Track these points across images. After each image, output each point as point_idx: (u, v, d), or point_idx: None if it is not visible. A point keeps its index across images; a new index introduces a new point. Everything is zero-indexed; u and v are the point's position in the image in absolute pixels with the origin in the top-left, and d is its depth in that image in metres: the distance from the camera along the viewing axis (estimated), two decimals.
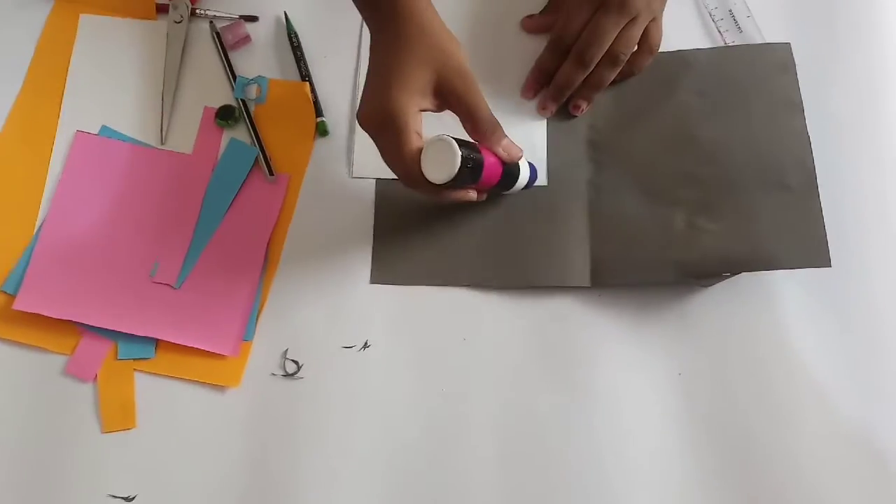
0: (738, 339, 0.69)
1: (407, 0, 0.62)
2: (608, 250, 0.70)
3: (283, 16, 0.78)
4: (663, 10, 0.73)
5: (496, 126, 0.64)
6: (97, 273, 0.69)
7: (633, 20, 0.71)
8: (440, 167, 0.59)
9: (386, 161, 0.63)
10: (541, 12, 0.78)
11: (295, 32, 0.77)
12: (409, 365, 0.68)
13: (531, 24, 0.77)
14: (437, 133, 0.60)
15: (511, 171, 0.66)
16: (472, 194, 0.64)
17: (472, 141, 0.62)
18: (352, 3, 0.65)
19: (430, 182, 0.60)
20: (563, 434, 0.66)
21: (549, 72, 0.74)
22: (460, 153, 0.58)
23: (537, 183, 0.72)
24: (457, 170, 0.58)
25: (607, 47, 0.71)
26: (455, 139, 0.58)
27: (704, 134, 0.72)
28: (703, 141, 0.72)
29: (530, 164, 0.69)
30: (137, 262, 0.70)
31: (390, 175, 0.67)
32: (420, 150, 0.60)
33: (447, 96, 0.62)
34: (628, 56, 0.72)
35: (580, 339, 0.69)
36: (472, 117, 0.63)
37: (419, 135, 0.61)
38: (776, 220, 0.68)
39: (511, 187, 0.68)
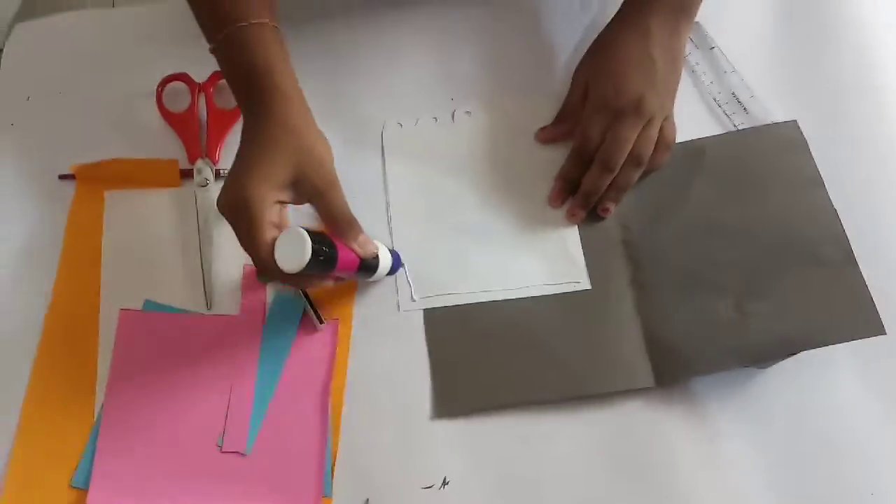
0: (804, 415, 0.69)
1: (278, 104, 0.66)
2: (664, 348, 0.71)
3: None
4: (673, 106, 0.76)
5: (352, 223, 0.67)
6: (164, 453, 0.69)
7: (649, 122, 0.74)
8: (292, 257, 0.61)
9: (242, 247, 0.65)
10: (552, 123, 0.80)
11: None
12: (491, 496, 0.68)
13: (545, 136, 0.80)
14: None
15: (369, 262, 0.69)
16: (328, 282, 0.68)
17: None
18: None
19: (281, 271, 0.62)
20: None
21: (573, 180, 0.77)
22: (310, 245, 0.60)
23: (581, 287, 0.73)
24: (307, 261, 0.60)
25: (628, 151, 0.74)
26: (308, 231, 0.61)
27: (730, 219, 0.74)
28: (731, 226, 0.74)
29: (393, 251, 0.73)
30: (203, 434, 0.70)
31: (439, 303, 0.70)
32: (273, 240, 0.62)
33: (306, 192, 0.66)
34: (649, 155, 0.75)
35: (651, 439, 0.69)
36: (328, 214, 0.67)
37: (275, 226, 0.64)
38: (820, 296, 0.70)
39: (372, 275, 0.71)
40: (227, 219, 0.65)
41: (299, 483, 0.67)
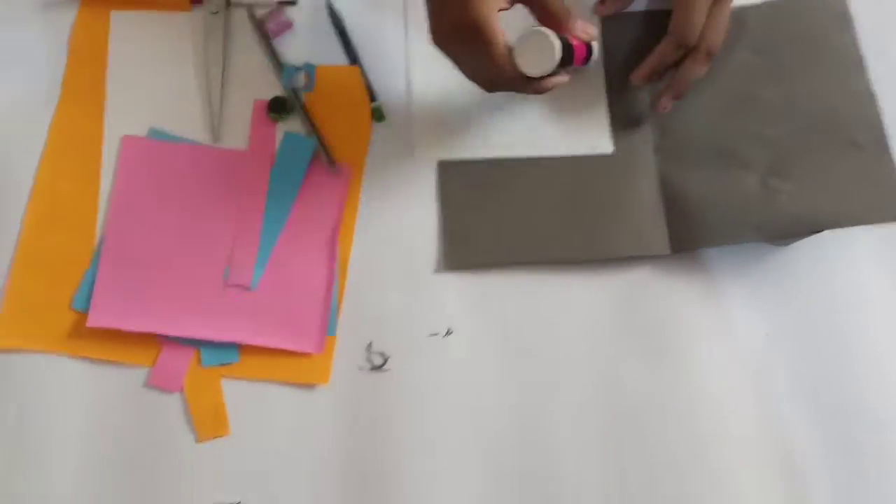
0: (821, 296, 0.69)
1: None
2: (684, 216, 0.69)
3: None
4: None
5: (568, 10, 0.64)
6: (167, 281, 0.68)
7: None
8: (540, 60, 0.60)
9: (470, 71, 0.63)
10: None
11: (338, 13, 0.75)
12: (495, 349, 0.68)
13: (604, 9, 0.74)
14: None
15: (591, 48, 0.68)
16: (565, 78, 0.65)
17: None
18: None
19: (525, 77, 0.61)
20: (655, 408, 0.66)
21: (667, 65, 0.69)
22: (559, 43, 0.59)
23: (603, 150, 0.71)
24: (558, 59, 0.59)
25: None
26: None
27: (766, 93, 0.72)
28: (766, 100, 0.71)
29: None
30: (208, 265, 0.68)
31: (455, 155, 0.67)
32: (510, 50, 0.61)
33: None
34: None
35: (664, 308, 0.69)
36: (546, 5, 0.63)
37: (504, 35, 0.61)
38: (850, 178, 0.68)
39: (588, 62, 0.69)
40: (448, 51, 0.62)
41: (304, 320, 0.67)
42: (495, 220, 0.70)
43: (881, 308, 0.69)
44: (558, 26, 0.63)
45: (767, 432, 0.66)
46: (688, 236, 0.69)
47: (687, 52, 0.68)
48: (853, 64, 0.72)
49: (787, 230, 0.67)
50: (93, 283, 0.68)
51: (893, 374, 0.67)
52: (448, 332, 0.68)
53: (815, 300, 0.69)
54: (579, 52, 0.65)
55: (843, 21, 0.73)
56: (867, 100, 0.71)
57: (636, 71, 0.71)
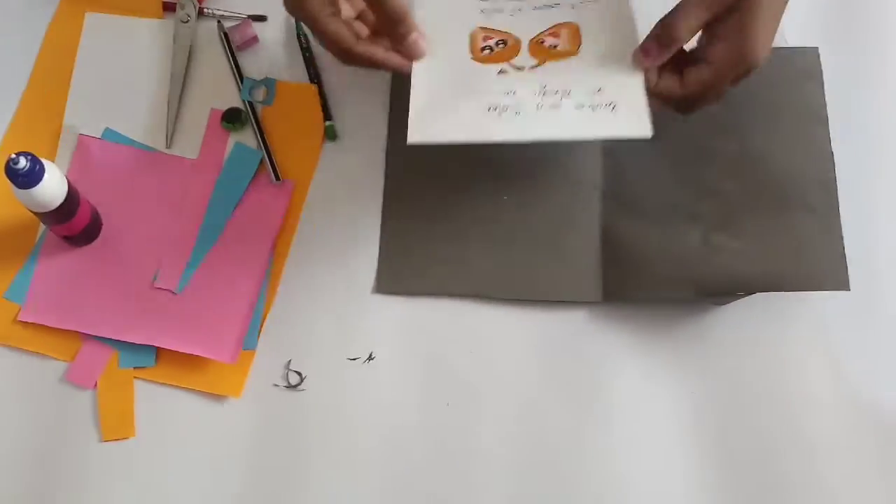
0: (752, 358, 0.67)
1: None
2: (620, 265, 0.68)
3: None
4: None
5: (401, 19, 0.60)
6: (100, 280, 0.68)
7: None
8: None
9: (321, 36, 0.60)
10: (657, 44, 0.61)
11: (304, 33, 0.75)
12: (415, 377, 0.67)
13: (650, 60, 0.61)
14: None
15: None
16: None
17: None
18: None
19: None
20: (572, 448, 0.65)
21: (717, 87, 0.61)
22: None
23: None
24: None
25: None
26: None
27: (724, 146, 0.70)
28: (726, 154, 0.70)
29: None
30: (140, 268, 0.69)
31: (448, 138, 0.61)
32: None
33: None
34: None
35: (590, 353, 0.67)
36: (378, 7, 0.59)
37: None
38: (795, 241, 0.66)
39: None
40: (297, 14, 0.61)
41: (222, 329, 0.67)
42: (431, 252, 0.70)
43: (812, 374, 0.67)
44: (388, 33, 0.61)
45: (679, 478, 0.64)
46: (622, 286, 0.67)
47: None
48: (817, 122, 0.70)
49: (724, 289, 0.65)
50: (29, 277, 0.68)
51: (817, 440, 0.65)
52: (370, 357, 0.67)
53: (744, 360, 0.67)
54: None
55: (812, 77, 0.71)
56: (825, 161, 0.68)
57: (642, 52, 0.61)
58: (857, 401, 0.66)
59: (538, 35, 0.65)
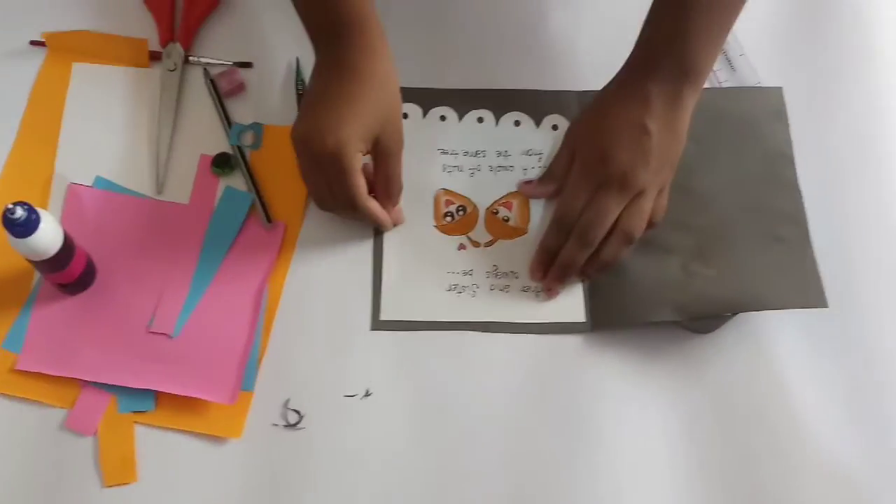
0: (738, 383, 0.69)
1: (366, 40, 0.64)
2: (604, 295, 0.70)
3: (295, 61, 0.78)
4: (670, 179, 0.70)
5: (400, 190, 0.70)
6: (96, 327, 0.69)
7: (639, 195, 0.68)
8: None
9: (321, 192, 0.68)
10: (539, 180, 0.75)
11: (302, 79, 0.77)
12: (411, 412, 0.68)
13: (529, 190, 0.74)
14: None
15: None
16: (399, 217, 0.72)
17: None
18: None
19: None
20: (566, 478, 0.66)
21: (553, 251, 0.70)
22: None
23: None
24: None
25: (609, 226, 0.68)
26: None
27: (698, 183, 0.73)
28: (697, 190, 0.72)
29: None
30: (136, 313, 0.70)
31: (414, 318, 0.70)
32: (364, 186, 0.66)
33: (378, 150, 0.66)
34: (641, 231, 0.69)
35: (582, 381, 0.69)
36: (387, 176, 0.68)
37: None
38: (770, 267, 0.69)
39: None
40: (303, 155, 0.66)
41: (220, 372, 0.68)
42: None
43: (796, 399, 0.69)
44: (384, 198, 0.69)
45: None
46: (607, 315, 0.69)
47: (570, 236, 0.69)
48: (783, 158, 0.73)
49: (705, 310, 0.68)
50: (25, 326, 0.69)
51: (805, 461, 0.67)
52: (367, 394, 0.68)
53: (731, 386, 0.69)
54: None
55: (778, 117, 0.74)
56: (793, 195, 0.72)
57: (531, 266, 0.72)
58: (843, 420, 0.68)
59: (493, 204, 0.74)
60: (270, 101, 0.77)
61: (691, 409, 0.68)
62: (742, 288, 0.68)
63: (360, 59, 0.64)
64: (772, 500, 0.66)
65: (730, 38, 0.77)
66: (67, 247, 0.64)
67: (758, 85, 0.77)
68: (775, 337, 0.70)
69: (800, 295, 0.68)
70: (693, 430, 0.68)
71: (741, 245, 0.70)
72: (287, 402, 0.68)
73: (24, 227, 0.61)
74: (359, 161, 0.65)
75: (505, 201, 0.74)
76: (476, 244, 0.73)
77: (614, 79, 0.71)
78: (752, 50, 0.79)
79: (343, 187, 0.66)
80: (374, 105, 0.64)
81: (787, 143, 0.73)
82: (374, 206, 0.69)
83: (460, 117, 0.76)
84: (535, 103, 0.76)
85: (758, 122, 0.74)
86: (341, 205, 0.67)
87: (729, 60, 0.78)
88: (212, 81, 0.77)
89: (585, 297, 0.71)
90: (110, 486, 0.65)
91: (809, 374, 0.69)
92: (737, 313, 0.68)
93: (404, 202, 0.72)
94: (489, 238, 0.73)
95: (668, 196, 0.70)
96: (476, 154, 0.75)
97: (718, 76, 0.77)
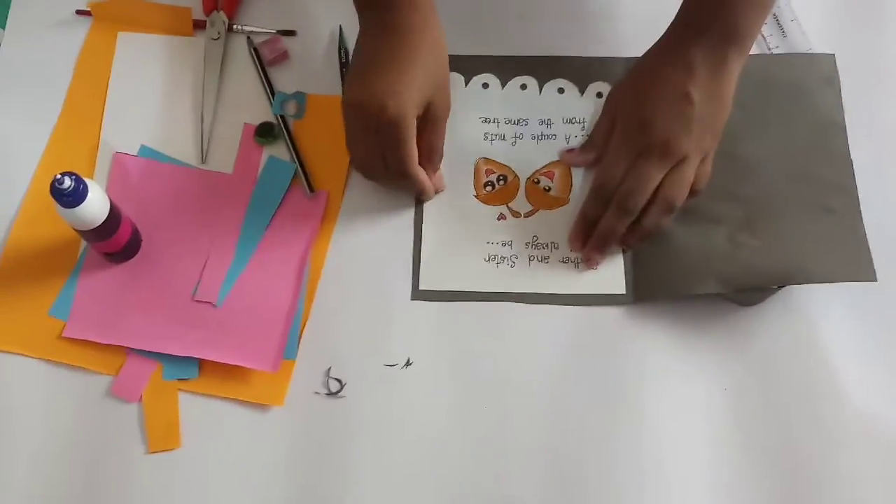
0: (783, 357, 0.68)
1: (422, 2, 0.63)
2: (648, 266, 0.69)
3: (338, 29, 0.78)
4: (716, 146, 0.68)
5: (441, 159, 0.70)
6: (141, 295, 0.70)
7: (681, 162, 0.66)
8: None
9: (371, 159, 0.67)
10: (580, 148, 0.73)
11: (346, 48, 0.77)
12: (452, 382, 0.68)
13: (570, 159, 0.73)
14: None
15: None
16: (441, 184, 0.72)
17: None
18: None
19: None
20: (607, 452, 0.66)
21: (593, 221, 0.69)
22: None
23: None
24: None
25: (650, 193, 0.66)
26: None
27: (745, 151, 0.71)
28: (744, 158, 0.71)
29: None
30: (180, 282, 0.70)
31: (452, 288, 0.70)
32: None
33: (427, 117, 0.65)
34: (682, 200, 0.67)
35: (623, 354, 0.68)
36: (432, 141, 0.67)
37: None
38: (819, 239, 0.67)
39: None
40: (353, 121, 0.66)
41: (263, 340, 0.68)
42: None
43: (841, 372, 0.67)
44: (427, 163, 0.69)
45: (712, 477, 0.65)
46: (650, 287, 0.68)
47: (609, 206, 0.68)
48: (834, 127, 0.71)
49: (751, 282, 0.66)
50: (72, 294, 0.70)
51: (844, 437, 0.66)
52: (408, 363, 0.68)
53: (776, 359, 0.68)
54: None
55: (830, 84, 0.72)
56: (843, 165, 0.69)
57: (570, 236, 0.71)
58: (889, 395, 0.67)
59: (534, 173, 0.72)
60: (314, 70, 0.77)
61: (735, 383, 0.67)
62: (789, 260, 0.66)
63: (411, 24, 0.63)
64: (815, 474, 0.65)
65: (782, 2, 0.76)
66: (113, 216, 0.65)
67: (809, 52, 0.74)
68: (822, 310, 0.69)
69: (849, 268, 0.66)
70: (737, 404, 0.67)
71: (789, 216, 0.68)
72: (329, 370, 0.68)
73: (73, 197, 0.61)
74: (415, 128, 0.64)
75: (546, 171, 0.73)
76: (516, 214, 0.72)
77: (657, 43, 0.69)
78: (804, 15, 0.76)
79: (397, 154, 0.65)
80: (426, 70, 0.63)
81: (839, 111, 0.71)
82: (422, 173, 0.68)
83: (503, 85, 0.75)
84: (580, 70, 0.75)
85: (809, 90, 0.72)
86: (391, 172, 0.67)
87: (780, 26, 0.75)
88: (255, 50, 0.77)
89: (627, 268, 0.69)
90: (154, 452, 0.66)
91: (856, 348, 0.68)
92: (783, 286, 0.66)
93: (444, 171, 0.72)
94: (530, 208, 0.72)
95: (711, 164, 0.68)
96: (518, 122, 0.74)
97: (769, 42, 0.75)
